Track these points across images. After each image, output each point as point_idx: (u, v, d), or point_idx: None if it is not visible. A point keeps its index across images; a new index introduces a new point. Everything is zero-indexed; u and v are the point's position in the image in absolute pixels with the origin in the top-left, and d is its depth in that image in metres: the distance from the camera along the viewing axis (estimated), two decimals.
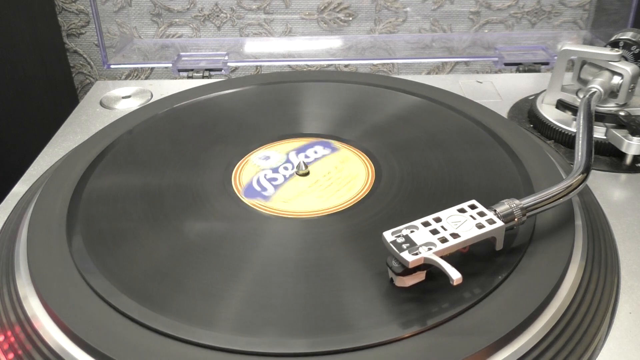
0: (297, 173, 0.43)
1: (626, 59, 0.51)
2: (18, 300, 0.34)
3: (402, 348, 0.29)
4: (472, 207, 0.34)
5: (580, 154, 0.40)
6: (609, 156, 0.48)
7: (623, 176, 0.46)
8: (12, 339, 0.32)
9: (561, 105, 0.53)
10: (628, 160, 0.47)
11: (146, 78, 0.88)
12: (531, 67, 0.67)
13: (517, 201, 0.34)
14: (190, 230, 0.38)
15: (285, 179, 0.43)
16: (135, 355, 0.29)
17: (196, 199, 0.41)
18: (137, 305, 0.31)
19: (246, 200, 0.40)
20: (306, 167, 0.43)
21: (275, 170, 0.43)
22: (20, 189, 0.47)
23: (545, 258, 0.34)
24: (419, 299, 0.31)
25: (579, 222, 0.37)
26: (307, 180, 0.42)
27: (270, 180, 0.42)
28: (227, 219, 0.39)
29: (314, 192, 0.41)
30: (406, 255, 0.30)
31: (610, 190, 0.44)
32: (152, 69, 0.88)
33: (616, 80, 0.49)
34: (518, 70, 0.68)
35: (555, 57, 0.57)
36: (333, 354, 0.29)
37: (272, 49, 0.79)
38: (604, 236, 0.39)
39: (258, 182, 0.42)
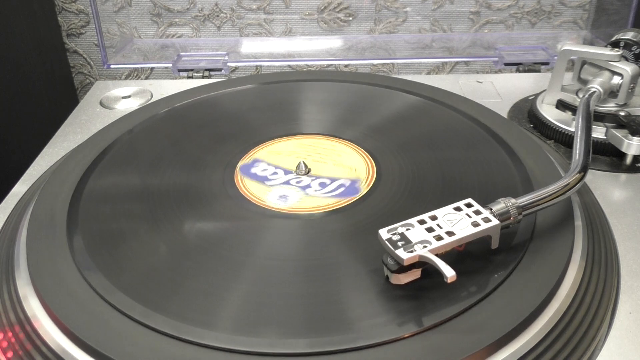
0: (297, 173, 0.43)
1: (626, 59, 0.51)
2: (18, 300, 0.34)
3: (402, 348, 0.29)
4: (468, 205, 0.34)
5: (577, 153, 0.40)
6: (609, 156, 0.48)
7: (623, 176, 0.46)
8: (12, 339, 0.32)
9: (561, 105, 0.53)
10: (628, 160, 0.47)
11: (146, 78, 0.88)
12: (531, 67, 0.67)
13: (513, 200, 0.34)
14: (190, 230, 0.38)
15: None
16: (135, 355, 0.29)
17: (196, 199, 0.41)
18: (137, 305, 0.31)
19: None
20: (306, 166, 0.43)
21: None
22: (20, 189, 0.47)
23: (544, 258, 0.34)
24: (418, 299, 0.31)
25: (578, 222, 0.37)
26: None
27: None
28: (227, 219, 0.39)
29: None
30: (401, 253, 0.30)
31: (610, 190, 0.44)
32: (152, 69, 0.88)
33: (616, 80, 0.49)
34: (518, 70, 0.68)
35: (555, 57, 0.57)
36: (333, 353, 0.29)
37: (272, 49, 0.79)
38: (604, 236, 0.39)
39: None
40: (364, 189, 0.41)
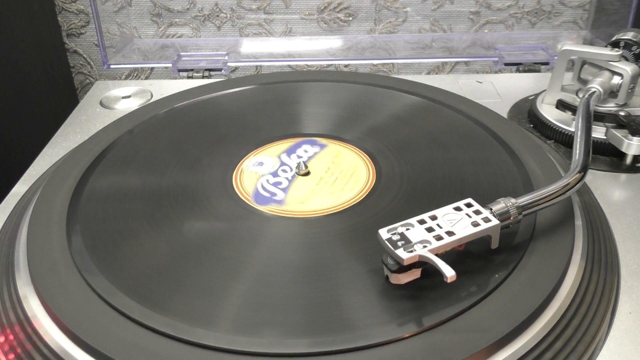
0: (297, 174, 0.43)
1: (626, 59, 0.51)
2: (18, 300, 0.34)
3: (402, 348, 0.29)
4: (468, 205, 0.34)
5: (577, 153, 0.40)
6: (609, 156, 0.48)
7: (623, 176, 0.46)
8: (12, 339, 0.32)
9: (561, 105, 0.53)
10: (628, 160, 0.47)
11: (146, 78, 0.88)
12: (531, 67, 0.67)
13: (513, 200, 0.34)
14: (190, 230, 0.38)
15: (289, 181, 0.42)
16: (135, 355, 0.29)
17: (196, 199, 0.41)
18: (137, 305, 0.31)
19: (261, 208, 0.40)
20: (306, 167, 0.43)
21: (275, 174, 0.43)
22: (20, 189, 0.47)
23: (545, 258, 0.34)
24: (418, 299, 0.31)
25: (579, 222, 0.37)
26: (311, 179, 0.42)
27: (275, 184, 0.42)
28: (227, 219, 0.39)
29: (323, 189, 0.41)
30: (401, 253, 0.30)
31: (610, 190, 0.44)
32: (152, 69, 0.88)
33: (616, 80, 0.49)
34: (518, 70, 0.68)
35: (555, 57, 0.57)
36: (333, 354, 0.29)
37: (272, 49, 0.79)
38: (604, 236, 0.39)
39: (263, 188, 0.42)
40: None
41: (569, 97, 0.52)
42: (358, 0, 0.80)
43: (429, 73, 0.87)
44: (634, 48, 0.51)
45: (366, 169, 0.43)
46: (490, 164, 0.43)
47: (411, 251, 0.30)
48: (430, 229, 0.32)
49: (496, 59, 0.70)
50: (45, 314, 0.32)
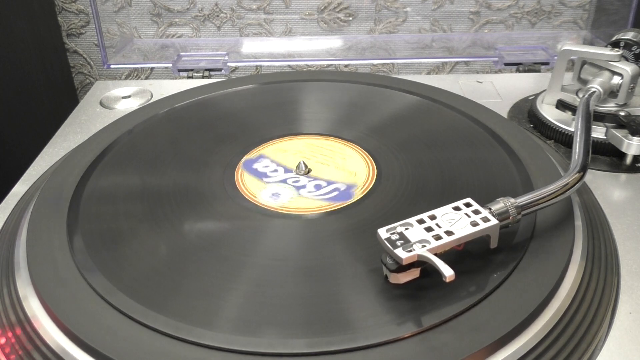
0: (297, 173, 0.43)
1: (626, 59, 0.51)
2: (18, 301, 0.34)
3: (402, 348, 0.29)
4: (467, 205, 0.34)
5: (577, 152, 0.40)
6: (609, 156, 0.48)
7: (623, 176, 0.46)
8: (12, 340, 0.32)
9: (561, 105, 0.53)
10: (628, 160, 0.47)
11: (146, 78, 0.88)
12: (531, 67, 0.67)
13: (512, 200, 0.34)
14: (190, 230, 0.38)
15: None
16: (135, 355, 0.29)
17: (196, 199, 0.41)
18: (137, 305, 0.31)
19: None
20: (306, 167, 0.43)
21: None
22: (20, 189, 0.47)
23: (545, 258, 0.34)
24: (418, 299, 0.31)
25: (578, 222, 0.37)
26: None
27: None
28: (227, 219, 0.39)
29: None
30: (400, 252, 0.30)
31: (610, 190, 0.44)
32: (152, 69, 0.88)
33: (616, 80, 0.49)
34: (518, 70, 0.68)
35: (555, 57, 0.57)
36: (333, 353, 0.29)
37: (272, 49, 0.79)
38: (604, 236, 0.39)
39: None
40: (357, 195, 0.41)
41: (569, 97, 0.52)
42: (358, 0, 0.80)
43: (429, 73, 0.87)
44: (634, 48, 0.51)
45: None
46: (489, 164, 0.43)
47: (410, 251, 0.30)
48: (429, 229, 0.32)
49: (496, 59, 0.70)
50: (45, 314, 0.32)
